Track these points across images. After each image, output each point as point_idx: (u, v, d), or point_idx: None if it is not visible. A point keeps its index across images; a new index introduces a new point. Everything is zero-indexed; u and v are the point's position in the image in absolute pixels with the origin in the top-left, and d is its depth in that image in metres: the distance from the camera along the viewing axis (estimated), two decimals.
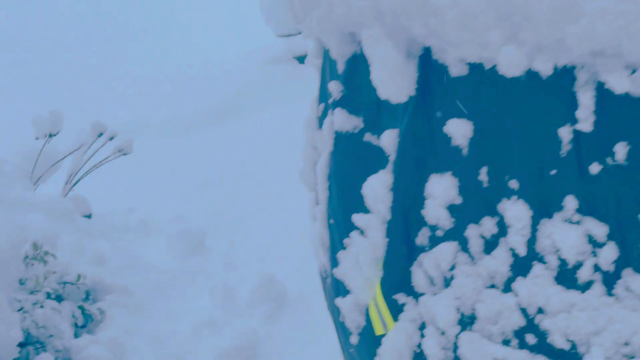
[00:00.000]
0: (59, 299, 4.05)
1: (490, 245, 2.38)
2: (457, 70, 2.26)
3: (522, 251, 2.23)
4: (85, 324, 4.20)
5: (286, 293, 4.67)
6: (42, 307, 3.74)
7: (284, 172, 6.45)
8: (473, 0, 2.16)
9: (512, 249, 2.29)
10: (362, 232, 2.68)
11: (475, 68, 2.23)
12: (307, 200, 5.34)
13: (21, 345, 3.47)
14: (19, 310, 3.51)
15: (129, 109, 8.49)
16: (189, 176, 6.72)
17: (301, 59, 8.89)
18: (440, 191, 2.44)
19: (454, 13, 2.17)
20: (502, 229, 2.35)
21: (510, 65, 2.13)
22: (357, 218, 2.63)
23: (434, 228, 2.49)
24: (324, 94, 2.85)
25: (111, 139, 5.53)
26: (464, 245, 2.43)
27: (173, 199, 6.31)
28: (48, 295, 3.86)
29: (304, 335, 4.35)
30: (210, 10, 11.38)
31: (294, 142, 6.97)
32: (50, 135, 5.57)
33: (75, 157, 5.58)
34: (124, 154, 5.55)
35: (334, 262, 2.85)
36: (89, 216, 5.56)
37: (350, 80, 2.57)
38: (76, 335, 4.06)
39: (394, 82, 2.34)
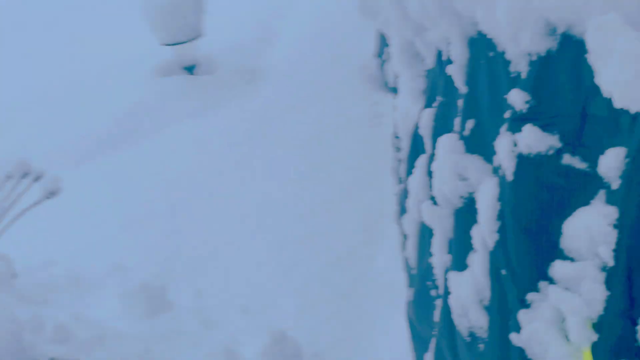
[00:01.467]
0: None
1: None
2: None
3: None
4: None
5: (301, 351, 4.05)
6: None
7: (221, 198, 5.80)
8: None
9: None
10: (563, 285, 2.16)
11: None
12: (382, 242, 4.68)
13: None
14: None
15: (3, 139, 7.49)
16: (108, 213, 5.90)
17: (191, 69, 8.20)
18: None
19: None
20: None
21: None
22: (559, 268, 2.10)
23: None
24: (470, 107, 2.30)
25: (35, 179, 4.68)
26: None
27: (101, 244, 5.49)
28: None
29: None
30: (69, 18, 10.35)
31: (215, 161, 6.32)
32: None
33: None
34: (52, 196, 4.72)
35: (510, 325, 2.30)
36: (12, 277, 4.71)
37: (542, 87, 2.03)
38: None
39: None
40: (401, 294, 4.22)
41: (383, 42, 6.69)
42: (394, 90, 6.84)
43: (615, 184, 1.97)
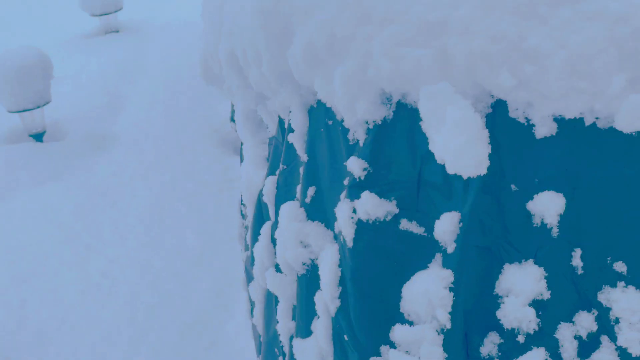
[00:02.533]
0: None
1: (587, 347, 1.99)
2: (545, 129, 1.84)
3: (638, 350, 1.88)
4: None
5: None
6: None
7: (68, 267, 5.62)
8: (589, 39, 1.76)
9: (622, 349, 1.91)
10: (403, 349, 2.15)
11: (570, 125, 1.84)
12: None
13: None
14: None
15: None
16: None
17: (39, 136, 7.99)
18: (523, 285, 1.99)
19: (561, 57, 1.76)
20: (604, 325, 1.97)
21: (637, 117, 1.76)
22: (399, 332, 2.10)
23: (511, 333, 2.04)
24: (310, 175, 2.30)
25: None
26: (554, 351, 2.02)
27: None
28: None
29: None
30: None
31: (62, 229, 6.13)
32: None
33: None
34: None
35: None
36: None
37: (379, 155, 2.05)
38: None
39: (471, 151, 1.86)
40: None
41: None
42: None
43: (450, 248, 2.00)
